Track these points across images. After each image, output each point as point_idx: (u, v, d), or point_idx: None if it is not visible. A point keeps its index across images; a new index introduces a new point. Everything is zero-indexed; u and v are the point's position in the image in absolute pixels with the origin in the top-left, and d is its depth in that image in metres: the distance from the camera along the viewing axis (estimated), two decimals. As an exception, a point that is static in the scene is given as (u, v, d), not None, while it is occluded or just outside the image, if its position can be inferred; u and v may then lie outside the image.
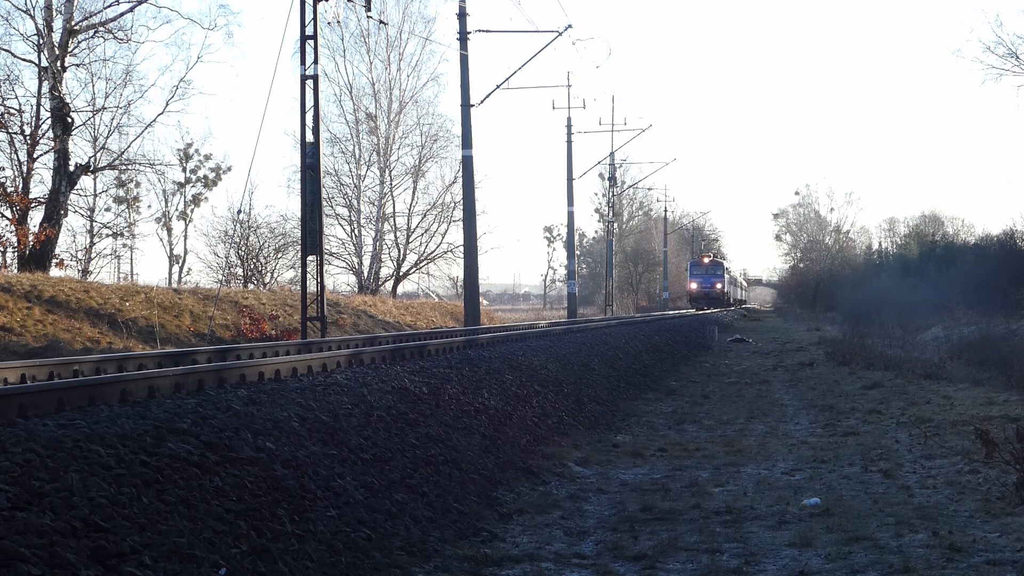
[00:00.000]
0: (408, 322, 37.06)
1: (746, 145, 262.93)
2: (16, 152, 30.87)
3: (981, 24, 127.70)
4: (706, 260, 74.81)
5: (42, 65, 28.49)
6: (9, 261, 28.84)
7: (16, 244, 28.02)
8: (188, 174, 52.95)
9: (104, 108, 36.03)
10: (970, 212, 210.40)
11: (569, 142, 47.75)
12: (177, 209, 52.71)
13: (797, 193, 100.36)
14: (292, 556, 6.37)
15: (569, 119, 47.61)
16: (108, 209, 47.43)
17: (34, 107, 30.74)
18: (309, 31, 20.91)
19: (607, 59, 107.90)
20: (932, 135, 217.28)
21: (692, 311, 64.56)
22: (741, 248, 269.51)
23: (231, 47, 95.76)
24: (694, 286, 73.27)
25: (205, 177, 53.55)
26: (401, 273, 49.96)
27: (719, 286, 72.82)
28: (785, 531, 8.49)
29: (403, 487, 8.44)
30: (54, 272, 27.16)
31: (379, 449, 8.82)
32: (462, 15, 30.67)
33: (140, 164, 37.75)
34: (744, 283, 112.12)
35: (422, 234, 50.28)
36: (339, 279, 51.97)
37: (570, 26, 31.60)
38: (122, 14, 29.19)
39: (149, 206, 55.13)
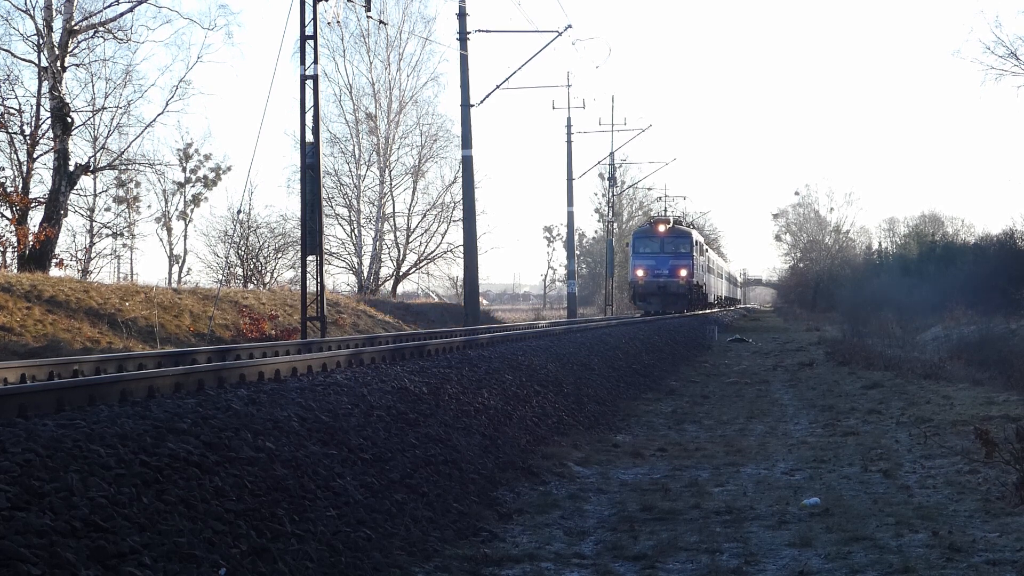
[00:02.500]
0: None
1: (746, 145, 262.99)
2: (16, 152, 30.94)
3: (980, 25, 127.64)
4: (661, 228, 46.21)
5: (42, 65, 28.51)
6: (9, 261, 28.88)
7: (16, 244, 28.04)
8: (188, 174, 52.96)
9: (104, 108, 36.11)
10: (970, 212, 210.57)
11: (569, 142, 47.80)
12: (177, 209, 52.74)
13: (797, 193, 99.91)
14: (292, 556, 6.37)
15: (569, 119, 47.67)
16: (108, 209, 47.53)
17: (34, 107, 30.79)
18: (309, 31, 20.92)
19: (607, 59, 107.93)
20: (932, 135, 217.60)
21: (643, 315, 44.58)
22: (741, 248, 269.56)
23: (231, 47, 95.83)
24: (640, 272, 45.62)
25: (205, 177, 53.53)
26: (401, 273, 49.99)
27: (684, 272, 45.54)
28: (785, 531, 8.49)
29: (403, 487, 8.44)
30: (54, 272, 27.18)
31: (379, 449, 8.82)
32: (462, 15, 30.70)
33: (140, 164, 37.86)
34: (736, 276, 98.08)
35: (422, 234, 50.35)
36: (339, 279, 52.04)
37: (570, 26, 31.68)
38: (122, 14, 29.23)
39: (149, 206, 55.17)
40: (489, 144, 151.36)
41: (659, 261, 45.48)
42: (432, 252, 50.46)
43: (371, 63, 47.85)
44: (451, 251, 49.77)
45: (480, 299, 36.43)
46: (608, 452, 12.87)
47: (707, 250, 57.20)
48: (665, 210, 71.55)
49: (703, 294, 51.89)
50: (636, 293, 46.47)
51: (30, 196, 29.78)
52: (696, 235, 49.57)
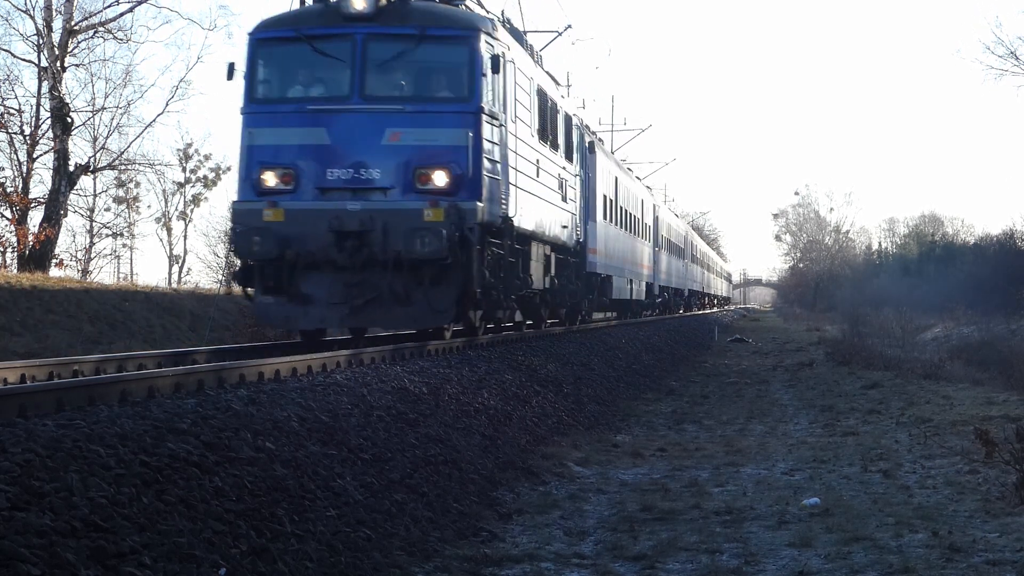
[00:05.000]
0: (408, 322, 37.02)
1: (746, 145, 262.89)
2: (16, 152, 30.95)
3: (981, 25, 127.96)
4: (359, 4, 12.17)
5: (42, 65, 28.53)
6: (9, 261, 28.87)
7: (16, 244, 28.04)
8: (188, 174, 52.91)
9: (104, 108, 36.07)
10: (970, 212, 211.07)
11: (569, 142, 47.34)
12: (177, 209, 52.73)
13: (797, 193, 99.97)
14: (292, 556, 6.37)
15: (569, 119, 47.36)
16: (108, 209, 47.50)
17: (34, 107, 30.80)
18: (309, 31, 20.87)
19: (607, 59, 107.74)
20: (932, 135, 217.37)
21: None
22: (741, 248, 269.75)
23: (231, 47, 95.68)
24: (269, 179, 12.75)
25: (205, 177, 53.50)
26: (401, 273, 49.87)
27: (442, 178, 12.38)
28: (785, 531, 8.49)
29: (403, 487, 8.45)
30: (54, 272, 27.18)
31: (379, 449, 8.82)
32: (462, 15, 30.45)
33: (140, 164, 37.84)
34: (724, 268, 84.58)
35: (422, 234, 50.16)
36: (339, 279, 51.93)
37: (570, 26, 31.42)
38: (122, 14, 29.26)
39: (149, 206, 55.25)
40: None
41: (340, 134, 12.83)
42: (432, 252, 50.33)
43: (371, 63, 47.66)
44: (451, 251, 49.65)
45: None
46: (608, 452, 12.87)
47: (589, 133, 24.33)
48: None
49: (597, 283, 23.28)
50: (247, 249, 13.18)
51: (30, 196, 29.80)
52: (509, 44, 14.41)
